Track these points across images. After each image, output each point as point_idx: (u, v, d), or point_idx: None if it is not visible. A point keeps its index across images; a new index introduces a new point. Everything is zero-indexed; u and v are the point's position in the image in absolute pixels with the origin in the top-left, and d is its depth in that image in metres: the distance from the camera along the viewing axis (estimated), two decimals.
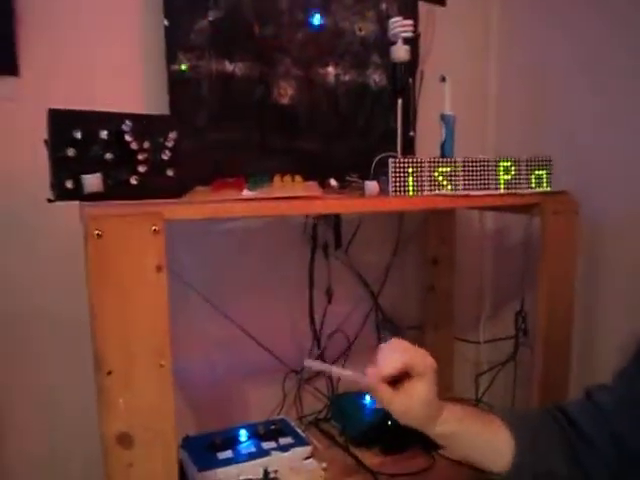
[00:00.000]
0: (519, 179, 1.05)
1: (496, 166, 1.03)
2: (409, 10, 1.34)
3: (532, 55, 1.43)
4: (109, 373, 0.69)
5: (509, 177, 1.04)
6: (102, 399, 0.70)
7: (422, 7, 1.38)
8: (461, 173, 1.01)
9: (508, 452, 0.73)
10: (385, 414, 1.14)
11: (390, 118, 1.19)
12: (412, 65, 1.31)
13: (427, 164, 0.99)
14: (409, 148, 1.30)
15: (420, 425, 0.74)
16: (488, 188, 1.03)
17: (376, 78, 1.31)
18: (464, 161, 1.01)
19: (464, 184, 1.01)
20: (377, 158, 1.06)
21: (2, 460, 1.08)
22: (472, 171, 1.02)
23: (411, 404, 0.71)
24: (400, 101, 1.15)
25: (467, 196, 1.00)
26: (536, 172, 1.06)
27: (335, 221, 1.32)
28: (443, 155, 1.17)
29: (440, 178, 1.00)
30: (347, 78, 1.28)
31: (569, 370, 1.14)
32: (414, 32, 1.17)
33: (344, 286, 1.37)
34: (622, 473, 0.72)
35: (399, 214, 1.41)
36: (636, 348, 0.75)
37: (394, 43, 1.13)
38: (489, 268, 1.57)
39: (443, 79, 1.19)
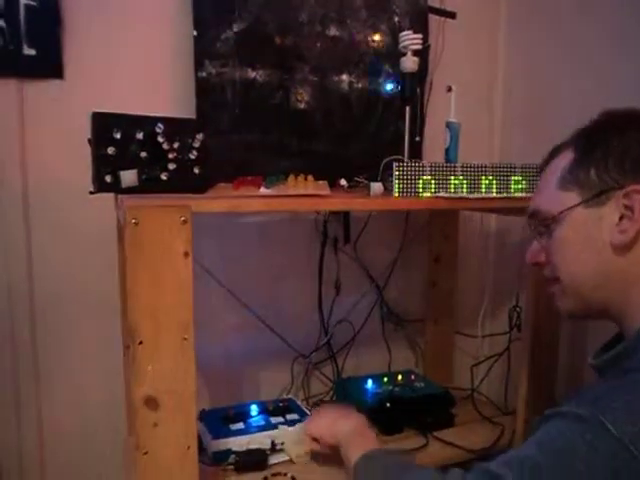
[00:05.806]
0: (513, 183, 1.13)
1: (492, 171, 1.11)
2: (420, 23, 1.42)
3: (538, 65, 1.49)
4: (140, 343, 0.80)
5: (505, 182, 1.12)
6: (133, 365, 0.81)
7: (433, 20, 1.45)
8: (460, 177, 1.09)
9: None
10: (384, 398, 1.25)
11: (399, 124, 1.26)
12: (422, 74, 1.39)
13: (428, 168, 1.07)
14: (416, 153, 1.38)
15: None
16: (484, 191, 1.11)
17: (387, 86, 1.40)
18: (463, 166, 1.09)
19: (462, 187, 1.10)
20: (385, 161, 1.13)
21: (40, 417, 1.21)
22: (470, 176, 1.10)
23: None
24: (408, 108, 1.22)
25: (463, 199, 1.08)
26: (530, 178, 1.14)
27: (344, 218, 1.41)
28: (448, 160, 1.26)
29: (440, 181, 1.08)
30: (360, 85, 1.37)
31: (557, 361, 1.21)
32: (423, 44, 1.24)
33: (351, 279, 1.46)
34: None
35: (405, 213, 1.50)
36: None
37: (404, 54, 1.19)
38: (489, 266, 1.63)
39: (449, 89, 1.27)
